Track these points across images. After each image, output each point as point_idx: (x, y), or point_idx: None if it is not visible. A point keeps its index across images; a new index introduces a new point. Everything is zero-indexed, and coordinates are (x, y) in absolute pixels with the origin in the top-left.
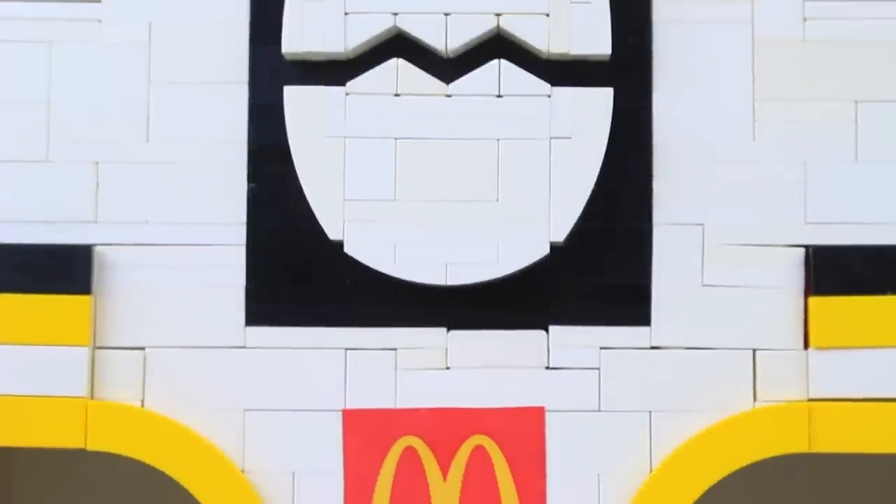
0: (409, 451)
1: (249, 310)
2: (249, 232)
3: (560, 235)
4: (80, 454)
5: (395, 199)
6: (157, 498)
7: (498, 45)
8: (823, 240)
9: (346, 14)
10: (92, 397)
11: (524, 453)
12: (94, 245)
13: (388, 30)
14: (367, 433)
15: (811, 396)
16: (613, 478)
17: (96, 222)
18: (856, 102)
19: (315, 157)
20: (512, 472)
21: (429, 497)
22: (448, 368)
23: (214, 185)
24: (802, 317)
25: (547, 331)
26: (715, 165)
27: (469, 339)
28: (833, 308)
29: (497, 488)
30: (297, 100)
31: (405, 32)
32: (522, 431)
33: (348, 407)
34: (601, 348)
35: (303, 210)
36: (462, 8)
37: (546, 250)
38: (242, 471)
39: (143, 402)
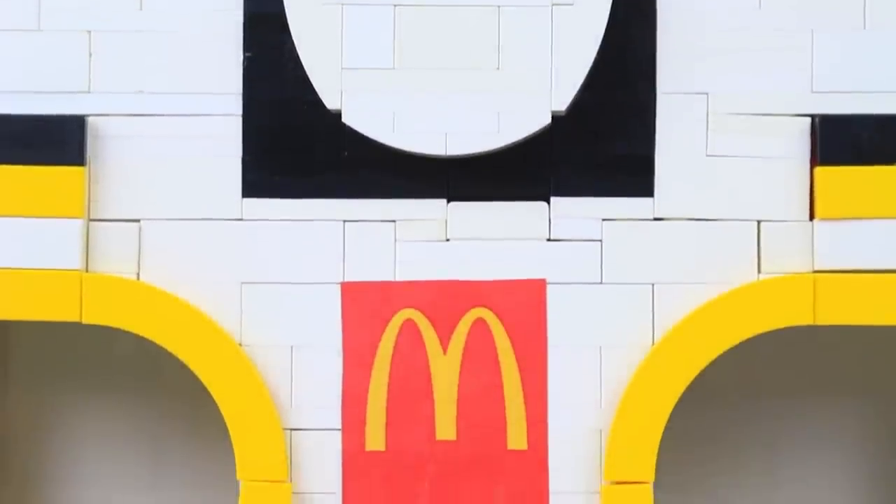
0: (409, 324)
1: (246, 181)
2: (246, 102)
3: (562, 105)
4: (77, 330)
5: (393, 68)
6: (155, 374)
7: None
8: (830, 109)
9: None
10: (87, 270)
11: (525, 326)
12: (88, 116)
13: None
14: (366, 306)
15: (816, 268)
16: (615, 351)
17: (89, 92)
18: None
19: (312, 25)
20: (513, 345)
21: (428, 370)
22: (448, 240)
23: (209, 55)
24: (808, 187)
25: (548, 202)
26: (720, 33)
27: (469, 210)
28: (839, 178)
29: (497, 361)
30: None
31: None
32: (523, 304)
33: (347, 279)
34: (603, 220)
35: (300, 79)
36: None
37: (548, 120)
38: (240, 344)
39: (138, 275)
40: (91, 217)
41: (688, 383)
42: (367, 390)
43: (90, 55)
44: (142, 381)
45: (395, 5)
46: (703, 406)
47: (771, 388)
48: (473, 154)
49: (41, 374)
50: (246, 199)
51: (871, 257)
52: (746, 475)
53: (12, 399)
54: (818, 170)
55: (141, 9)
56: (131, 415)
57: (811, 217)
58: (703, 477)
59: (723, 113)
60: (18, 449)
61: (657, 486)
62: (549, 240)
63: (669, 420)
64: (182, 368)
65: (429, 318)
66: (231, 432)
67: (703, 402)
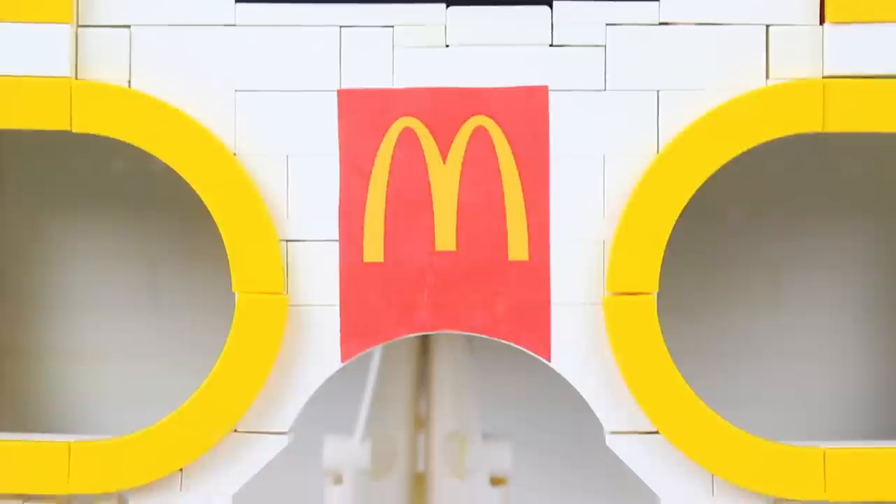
0: (408, 133)
1: None
2: None
3: None
4: (71, 148)
5: None
6: (151, 191)
7: None
8: None
9: None
10: (76, 78)
11: (527, 134)
12: None
13: None
14: (363, 114)
15: (826, 74)
16: (618, 159)
17: None
18: None
19: None
20: (514, 153)
21: (428, 179)
22: (447, 46)
23: None
24: None
25: (550, 6)
26: None
27: (469, 15)
28: None
29: (498, 171)
30: None
31: None
32: (525, 112)
33: (344, 87)
34: (607, 24)
35: None
36: None
37: None
38: (234, 154)
39: (129, 82)
40: (80, 23)
41: (693, 192)
42: (364, 201)
43: None
44: (137, 198)
45: None
46: (706, 227)
47: (777, 207)
48: None
49: (34, 195)
50: (239, 4)
51: (883, 62)
52: (750, 295)
53: (5, 221)
54: None
55: None
56: (127, 234)
57: (821, 21)
58: (707, 298)
59: None
60: (12, 272)
61: (660, 308)
62: (551, 45)
63: (673, 242)
64: (178, 184)
65: (428, 126)
66: (226, 244)
67: (706, 222)
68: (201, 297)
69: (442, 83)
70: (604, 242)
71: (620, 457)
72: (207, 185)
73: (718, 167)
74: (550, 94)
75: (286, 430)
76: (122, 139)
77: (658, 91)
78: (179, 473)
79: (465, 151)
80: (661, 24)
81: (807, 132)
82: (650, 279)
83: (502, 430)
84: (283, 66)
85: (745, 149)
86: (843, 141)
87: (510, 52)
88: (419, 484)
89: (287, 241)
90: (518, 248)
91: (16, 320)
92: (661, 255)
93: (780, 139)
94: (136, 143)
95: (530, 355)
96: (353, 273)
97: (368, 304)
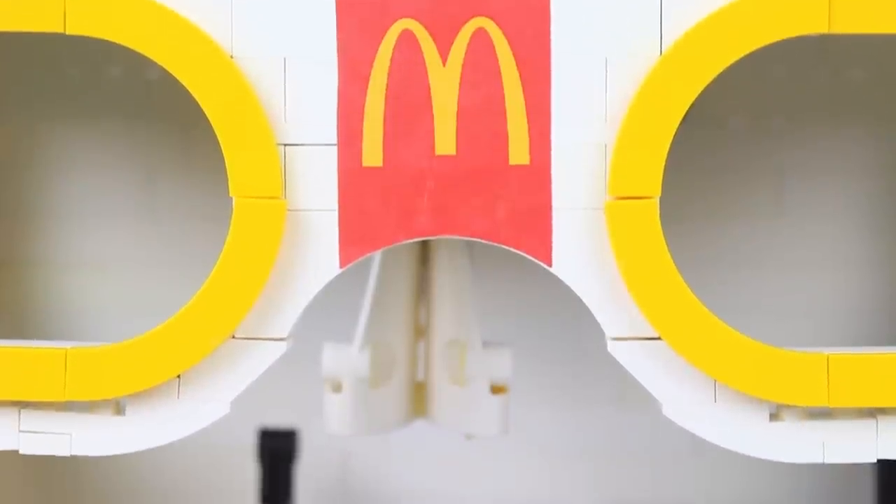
0: (407, 35)
1: None
2: None
3: None
4: (64, 54)
5: None
6: (148, 96)
7: None
8: None
9: None
10: None
11: (528, 36)
12: None
13: None
14: (361, 16)
15: None
16: (622, 61)
17: None
18: None
19: None
20: (515, 56)
21: (427, 82)
22: None
23: None
24: None
25: None
26: None
27: None
28: None
29: (499, 74)
30: None
31: None
32: (526, 13)
33: None
34: None
35: None
36: None
37: None
38: (231, 56)
39: None
40: None
41: (697, 94)
42: (363, 104)
43: None
44: (134, 107)
45: None
46: (707, 135)
47: (779, 114)
48: None
49: (30, 105)
50: None
51: None
52: (752, 203)
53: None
54: None
55: None
56: (124, 143)
57: None
58: (709, 206)
59: None
60: (9, 183)
61: (662, 217)
62: None
63: (674, 150)
64: (174, 91)
65: (427, 28)
66: (224, 148)
67: (707, 130)
68: (200, 206)
69: None
70: (606, 146)
71: (622, 363)
72: (204, 88)
73: (723, 69)
74: None
75: (285, 335)
76: (117, 42)
77: None
78: (177, 380)
79: (466, 54)
80: None
81: (812, 34)
82: (653, 183)
83: (502, 337)
84: None
85: (750, 50)
86: (846, 45)
87: None
88: (419, 392)
89: (285, 145)
90: (519, 152)
91: (13, 231)
92: (664, 158)
93: (782, 44)
94: (131, 46)
95: (531, 261)
96: (352, 177)
97: (367, 209)
